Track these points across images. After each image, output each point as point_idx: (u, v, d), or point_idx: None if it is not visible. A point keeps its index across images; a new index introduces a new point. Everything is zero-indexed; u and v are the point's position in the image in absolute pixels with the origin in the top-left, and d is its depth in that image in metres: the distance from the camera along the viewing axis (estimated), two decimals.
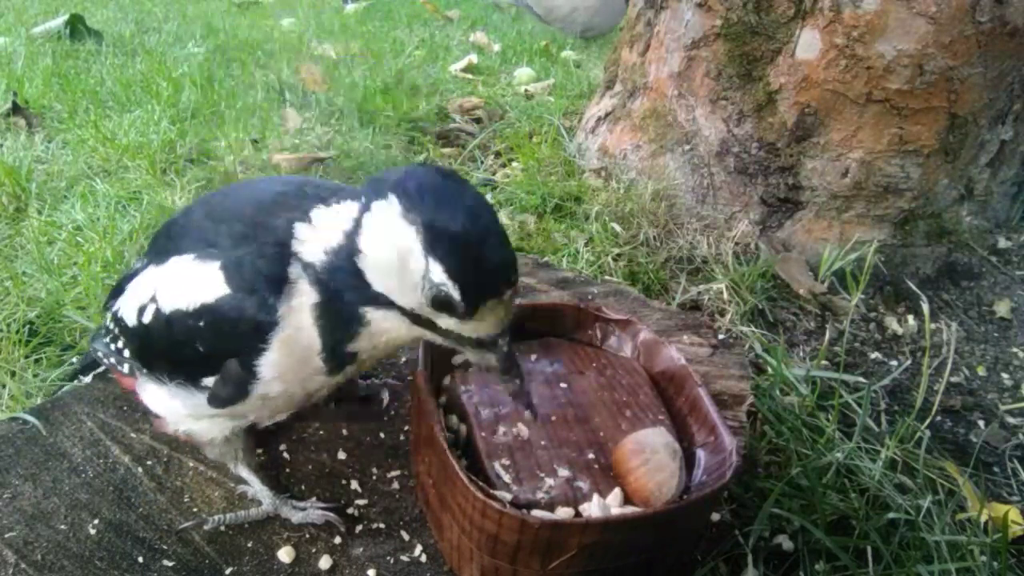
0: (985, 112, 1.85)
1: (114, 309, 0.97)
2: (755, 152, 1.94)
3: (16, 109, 2.52)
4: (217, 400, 0.87)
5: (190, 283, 0.84)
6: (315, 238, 0.79)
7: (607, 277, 1.80)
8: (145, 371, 0.93)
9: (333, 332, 0.81)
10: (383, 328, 0.81)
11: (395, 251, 0.74)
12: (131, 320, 0.91)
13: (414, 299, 0.75)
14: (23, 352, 1.44)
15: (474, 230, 0.72)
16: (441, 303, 0.74)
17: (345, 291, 0.79)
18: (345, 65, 3.32)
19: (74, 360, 1.43)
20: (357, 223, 0.76)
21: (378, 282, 0.77)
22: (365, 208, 0.76)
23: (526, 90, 3.25)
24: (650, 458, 0.90)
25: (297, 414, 1.01)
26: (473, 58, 3.66)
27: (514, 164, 2.44)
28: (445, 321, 0.77)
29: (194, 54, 3.37)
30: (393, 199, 0.73)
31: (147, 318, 0.88)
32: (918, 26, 1.71)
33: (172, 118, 2.52)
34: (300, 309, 0.80)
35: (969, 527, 1.20)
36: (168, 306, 0.86)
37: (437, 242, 0.71)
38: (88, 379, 1.18)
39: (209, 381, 0.87)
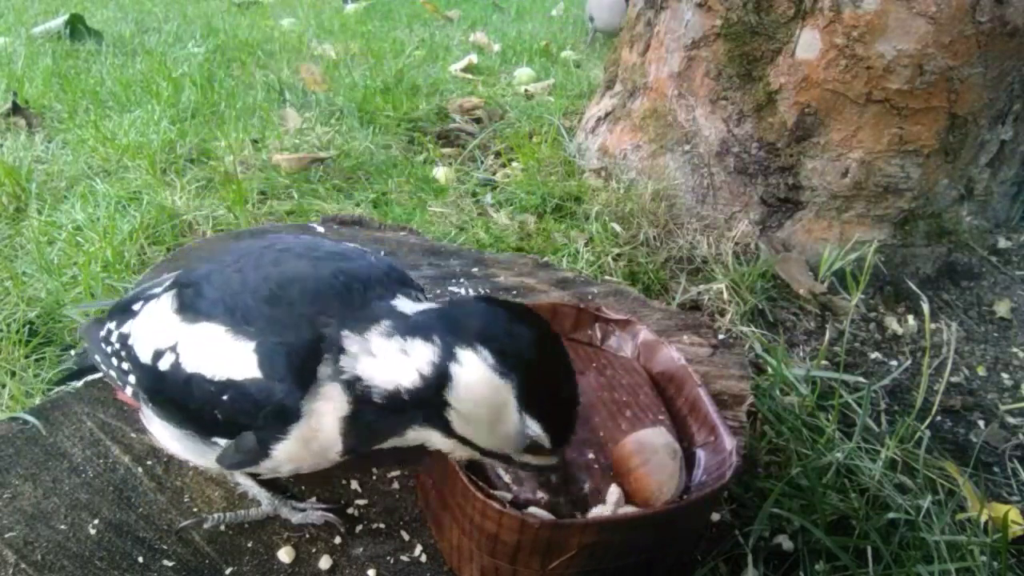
0: (985, 112, 1.85)
1: (124, 331, 0.95)
2: (755, 152, 1.94)
3: (16, 109, 2.52)
4: (226, 463, 0.87)
5: (220, 355, 0.83)
6: (374, 363, 0.78)
7: (607, 277, 1.80)
8: (152, 407, 0.93)
9: (359, 439, 0.81)
10: (425, 439, 0.81)
11: (488, 407, 0.76)
12: (144, 357, 0.90)
13: (502, 445, 0.79)
14: (23, 352, 1.44)
15: (563, 387, 0.78)
16: (531, 448, 0.79)
17: (403, 421, 0.79)
18: (345, 65, 3.32)
19: (72, 353, 1.41)
20: (439, 370, 0.75)
21: (462, 429, 0.78)
22: (448, 356, 0.75)
23: (526, 90, 3.25)
24: (650, 458, 0.90)
25: None
26: (473, 58, 3.66)
27: (514, 164, 2.44)
28: (524, 458, 0.81)
29: (194, 54, 3.37)
30: (485, 353, 0.74)
31: (164, 366, 0.87)
32: (918, 26, 1.71)
33: (172, 118, 2.52)
34: (324, 413, 0.79)
35: (969, 527, 1.20)
36: (191, 367, 0.85)
37: (533, 401, 0.75)
38: (80, 384, 1.16)
39: (221, 441, 0.86)
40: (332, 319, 0.80)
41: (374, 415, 0.79)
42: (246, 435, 0.83)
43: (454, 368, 0.75)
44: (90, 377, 1.13)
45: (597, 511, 0.87)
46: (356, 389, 0.78)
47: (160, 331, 0.89)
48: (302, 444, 0.82)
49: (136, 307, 0.96)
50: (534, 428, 0.76)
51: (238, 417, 0.83)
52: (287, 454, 0.83)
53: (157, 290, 0.95)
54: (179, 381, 0.85)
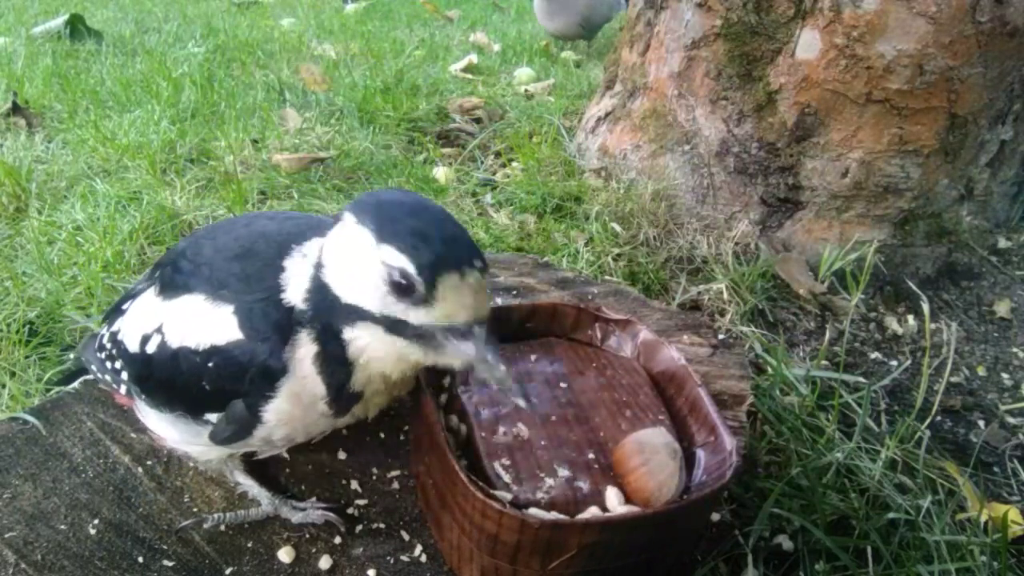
0: (985, 112, 1.85)
1: (114, 330, 0.96)
2: (755, 152, 1.94)
3: (16, 109, 2.52)
4: (219, 437, 0.87)
5: (201, 323, 0.84)
6: (294, 283, 0.81)
7: (607, 277, 1.80)
8: (144, 397, 0.93)
9: (335, 375, 0.82)
10: (367, 351, 0.80)
11: (351, 255, 0.75)
12: (133, 347, 0.91)
13: (377, 296, 0.75)
14: (23, 352, 1.44)
15: (422, 214, 0.74)
16: (400, 287, 0.72)
17: (327, 320, 0.79)
18: (345, 65, 3.32)
19: (72, 355, 1.42)
20: (321, 251, 0.79)
21: (344, 292, 0.77)
22: (325, 237, 0.79)
23: (526, 90, 3.25)
24: (650, 458, 0.89)
25: None
26: (473, 58, 3.66)
27: (514, 164, 2.44)
28: (415, 315, 0.74)
29: (194, 54, 3.37)
30: (347, 215, 0.77)
31: (151, 348, 0.88)
32: (918, 26, 1.71)
33: (172, 118, 2.52)
34: (304, 358, 0.81)
35: (969, 527, 1.20)
36: (176, 341, 0.85)
37: (386, 229, 0.72)
38: (76, 385, 1.17)
39: (212, 417, 0.87)
40: (281, 264, 0.82)
41: (327, 339, 0.79)
42: (235, 403, 0.83)
43: (326, 242, 0.78)
44: (87, 377, 1.14)
45: (592, 512, 0.87)
46: (306, 319, 0.79)
47: (145, 317, 0.90)
48: (293, 399, 0.82)
49: (125, 306, 0.96)
50: (390, 254, 0.71)
51: (225, 384, 0.83)
52: (278, 414, 0.83)
53: (141, 287, 0.96)
54: (166, 360, 0.86)
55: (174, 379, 0.86)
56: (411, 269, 0.71)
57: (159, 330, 0.87)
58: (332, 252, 0.78)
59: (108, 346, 0.97)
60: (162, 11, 4.52)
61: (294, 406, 0.83)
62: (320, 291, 0.79)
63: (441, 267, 0.72)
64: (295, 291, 0.81)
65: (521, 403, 0.87)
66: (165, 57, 3.26)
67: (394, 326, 0.76)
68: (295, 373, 0.81)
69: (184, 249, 0.93)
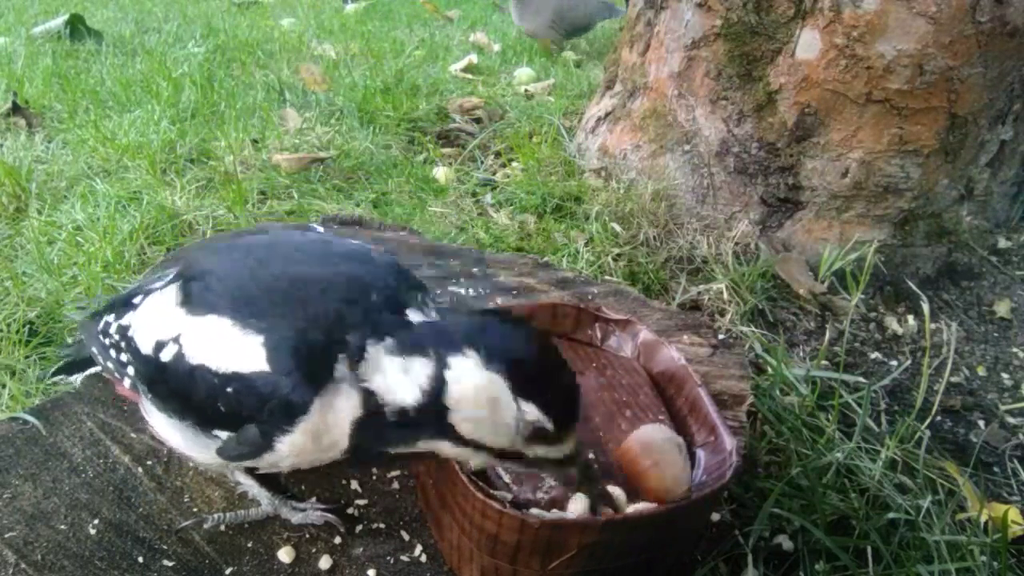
0: (985, 112, 1.85)
1: (124, 323, 0.95)
2: (755, 152, 1.94)
3: (16, 109, 2.52)
4: (226, 455, 0.87)
5: (226, 347, 0.83)
6: (383, 380, 0.80)
7: (607, 277, 1.80)
8: (152, 398, 0.93)
9: (367, 442, 0.83)
10: (436, 448, 0.82)
11: (484, 402, 0.78)
12: (145, 348, 0.90)
13: (507, 440, 0.80)
14: (23, 352, 1.44)
15: (555, 373, 0.80)
16: (536, 436, 0.80)
17: (413, 433, 0.81)
18: (345, 65, 3.32)
19: (66, 344, 1.40)
20: (437, 380, 0.79)
21: (469, 431, 0.80)
22: (442, 366, 0.79)
23: (526, 90, 3.25)
24: (659, 458, 0.90)
25: None
26: (473, 58, 3.66)
27: (514, 164, 2.44)
28: (534, 450, 0.81)
29: (194, 54, 3.37)
30: (472, 354, 0.78)
31: (166, 356, 0.87)
32: (918, 26, 1.71)
33: (172, 118, 2.52)
34: (340, 411, 0.81)
35: (969, 527, 1.20)
36: (195, 358, 0.85)
37: (525, 386, 0.78)
38: (77, 381, 1.16)
39: (222, 434, 0.86)
40: (353, 324, 0.82)
41: (385, 426, 0.80)
42: (249, 428, 0.83)
43: (447, 375, 0.78)
44: (90, 371, 1.13)
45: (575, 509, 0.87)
46: (370, 401, 0.80)
47: (163, 323, 0.89)
48: (310, 438, 0.82)
49: (136, 300, 0.95)
50: (531, 411, 0.78)
51: (242, 410, 0.83)
52: (292, 447, 0.83)
53: (158, 284, 0.95)
54: (182, 372, 0.85)
55: (188, 394, 0.86)
56: (550, 427, 0.79)
57: (177, 340, 0.86)
58: (462, 395, 0.79)
59: (115, 336, 0.96)
60: (162, 11, 4.52)
61: (309, 443, 0.83)
62: (432, 415, 0.80)
63: (572, 420, 0.81)
64: (387, 391, 0.80)
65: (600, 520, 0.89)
66: (165, 57, 3.26)
67: (506, 455, 0.82)
68: (320, 417, 0.80)
69: (215, 269, 0.92)
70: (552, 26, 3.91)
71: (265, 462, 0.87)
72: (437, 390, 0.78)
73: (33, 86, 2.84)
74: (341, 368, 0.80)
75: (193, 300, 0.89)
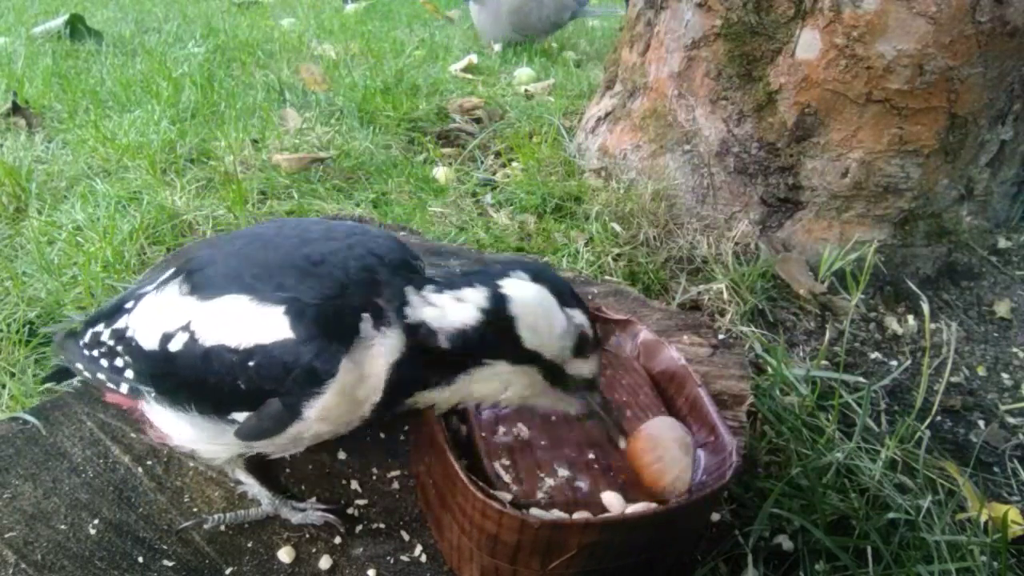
0: (985, 112, 1.85)
1: (118, 327, 0.95)
2: (755, 152, 1.94)
3: (16, 109, 2.52)
4: (246, 433, 0.87)
5: (245, 323, 0.84)
6: (437, 312, 0.87)
7: (607, 277, 1.80)
8: (155, 394, 0.92)
9: (402, 386, 0.87)
10: (488, 379, 0.89)
11: (543, 309, 0.88)
12: (150, 344, 0.90)
13: (559, 347, 0.88)
14: (23, 352, 1.44)
15: (575, 290, 0.92)
16: (580, 343, 0.90)
17: (468, 351, 0.87)
18: (345, 65, 3.32)
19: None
20: (495, 298, 0.87)
21: (531, 339, 0.87)
22: (495, 288, 0.88)
23: (526, 90, 3.25)
24: (663, 455, 0.90)
25: None
26: (473, 58, 3.66)
27: (514, 164, 2.44)
28: (573, 366, 0.90)
29: (194, 54, 3.37)
30: (519, 273, 0.89)
31: (176, 346, 0.87)
32: (918, 26, 1.71)
33: (172, 118, 2.52)
34: (374, 362, 0.84)
35: (969, 527, 1.20)
36: (210, 340, 0.85)
37: (566, 298, 0.90)
38: (76, 384, 1.15)
39: (239, 416, 0.87)
40: (377, 285, 0.87)
41: (428, 360, 0.86)
42: (271, 402, 0.84)
43: (505, 291, 0.87)
44: (73, 379, 1.13)
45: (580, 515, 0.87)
46: (419, 332, 0.85)
47: (168, 316, 0.90)
48: (343, 396, 0.84)
49: (129, 305, 0.96)
50: (578, 316, 0.89)
51: (264, 383, 0.84)
52: (322, 411, 0.84)
53: (150, 288, 0.96)
54: (195, 357, 0.86)
55: (204, 378, 0.86)
56: (590, 332, 0.91)
57: (187, 328, 0.87)
58: (524, 302, 0.87)
59: (109, 343, 0.96)
60: (162, 11, 4.52)
61: (340, 403, 0.84)
62: (494, 330, 0.86)
63: (598, 335, 0.94)
64: (441, 319, 0.86)
65: (621, 443, 0.97)
66: (165, 57, 3.26)
67: (551, 372, 0.90)
68: (351, 373, 0.83)
69: (219, 257, 0.93)
70: (514, 30, 3.90)
71: (286, 437, 0.87)
72: (498, 306, 0.86)
73: (33, 86, 2.84)
74: (367, 327, 0.83)
75: (201, 287, 0.90)
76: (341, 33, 4.22)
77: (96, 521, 0.96)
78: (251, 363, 0.83)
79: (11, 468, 1.02)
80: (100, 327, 0.98)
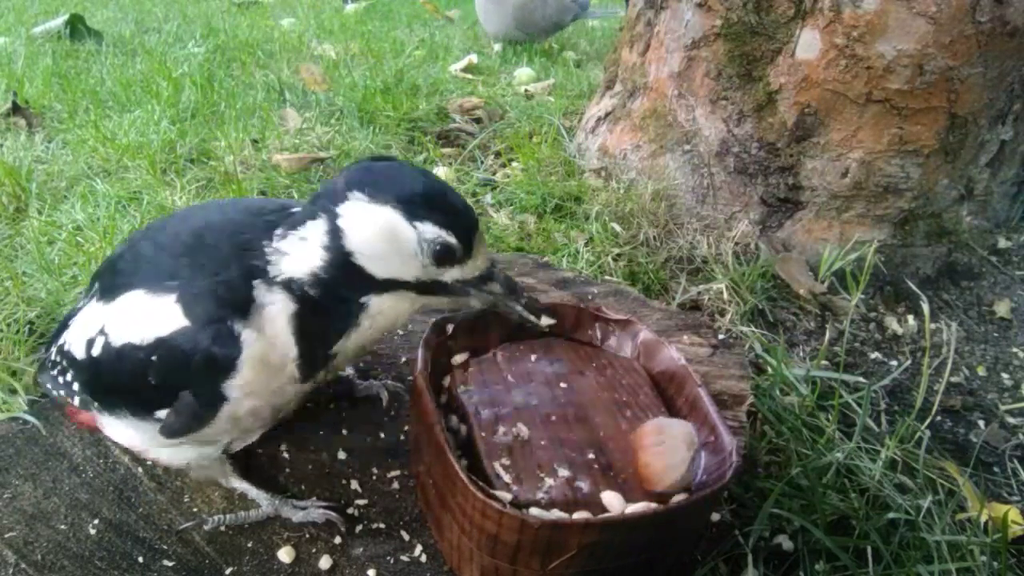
0: (985, 112, 1.85)
1: (60, 342, 0.95)
2: (755, 152, 1.94)
3: (16, 109, 2.52)
4: (169, 431, 0.86)
5: (143, 317, 0.84)
6: (292, 259, 0.83)
7: (607, 277, 1.80)
8: (96, 403, 0.93)
9: (314, 337, 0.84)
10: (385, 311, 0.85)
11: (383, 234, 0.81)
12: (79, 353, 0.90)
13: (417, 266, 0.82)
14: (23, 352, 1.44)
15: (433, 187, 0.82)
16: (442, 255, 0.82)
17: (342, 292, 0.83)
18: (345, 65, 3.32)
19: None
20: (333, 232, 0.81)
21: (380, 269, 0.82)
22: (333, 218, 0.81)
23: (526, 90, 3.25)
24: (665, 440, 0.90)
25: (296, 412, 1.02)
26: (473, 58, 3.66)
27: (514, 164, 2.44)
28: (449, 274, 0.84)
29: (194, 54, 3.37)
30: (356, 194, 0.81)
31: (96, 351, 0.87)
32: (918, 26, 1.71)
33: (172, 118, 2.52)
34: (273, 323, 0.82)
35: (969, 527, 1.20)
36: (118, 340, 0.85)
37: (414, 209, 0.80)
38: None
39: (162, 414, 0.86)
40: (253, 242, 0.85)
41: (319, 309, 0.83)
42: (182, 395, 0.83)
43: (340, 223, 0.81)
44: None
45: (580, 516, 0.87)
46: (293, 288, 0.83)
47: (89, 323, 0.90)
48: (259, 367, 0.82)
49: (71, 321, 0.96)
50: (428, 229, 0.80)
51: (170, 377, 0.83)
52: (244, 388, 0.82)
53: (84, 300, 0.96)
54: (111, 360, 0.86)
55: (121, 380, 0.86)
56: (452, 240, 0.81)
57: (102, 331, 0.87)
58: (356, 235, 0.81)
59: (57, 359, 0.96)
60: (162, 11, 4.52)
61: (260, 372, 0.83)
62: (342, 268, 0.82)
63: (471, 229, 0.83)
64: (292, 264, 0.83)
65: (545, 323, 0.94)
66: (165, 57, 3.26)
67: (428, 287, 0.85)
68: (259, 341, 0.81)
69: (121, 254, 0.94)
70: (518, 29, 3.90)
71: (224, 420, 0.85)
72: (337, 242, 0.81)
73: (33, 86, 2.84)
74: (260, 292, 0.82)
75: (107, 290, 0.90)
76: (341, 33, 4.22)
77: (96, 521, 0.96)
78: (154, 357, 0.82)
79: (11, 468, 1.02)
80: (53, 348, 0.98)
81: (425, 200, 0.80)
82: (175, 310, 0.82)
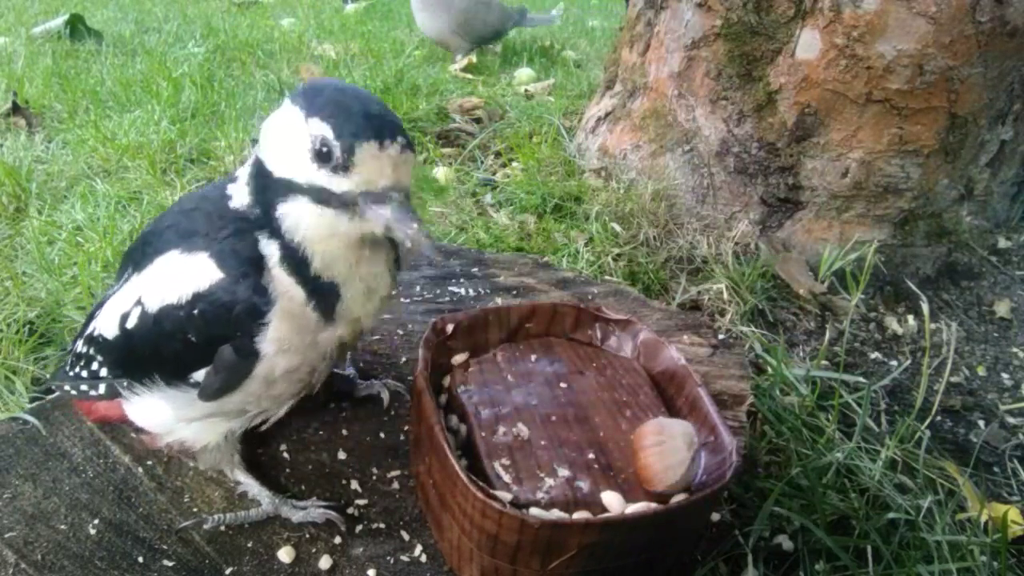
0: (985, 112, 1.85)
1: (88, 333, 0.96)
2: (755, 152, 1.94)
3: (16, 109, 2.52)
4: (208, 391, 0.87)
5: (180, 276, 0.85)
6: (236, 187, 0.87)
7: (607, 277, 1.80)
8: (127, 382, 0.93)
9: (302, 269, 0.84)
10: (300, 225, 0.83)
11: (284, 131, 0.81)
12: (111, 332, 0.91)
13: (304, 165, 0.79)
14: (23, 352, 1.44)
15: (348, 93, 0.80)
16: (321, 154, 0.78)
17: (266, 204, 0.83)
18: (345, 65, 3.32)
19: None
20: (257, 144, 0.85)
21: (277, 166, 0.82)
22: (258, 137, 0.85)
23: (526, 90, 3.25)
24: (666, 441, 0.90)
25: (296, 412, 1.01)
26: (473, 58, 3.66)
27: (514, 164, 2.44)
28: (336, 182, 0.79)
29: (194, 54, 3.37)
30: (286, 101, 0.82)
31: (131, 323, 0.88)
32: (918, 26, 1.71)
33: (172, 118, 2.52)
34: (277, 272, 0.83)
35: (969, 527, 1.20)
36: (155, 304, 0.86)
37: (314, 105, 0.79)
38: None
39: (199, 375, 0.86)
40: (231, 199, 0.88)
41: (286, 244, 0.83)
42: (222, 349, 0.84)
43: (263, 126, 0.84)
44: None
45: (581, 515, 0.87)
46: (273, 234, 0.84)
47: (124, 300, 0.91)
48: (286, 318, 0.83)
49: (98, 312, 0.97)
50: (316, 125, 0.78)
51: (212, 328, 0.84)
52: (277, 342, 0.83)
53: (112, 290, 0.97)
54: (148, 327, 0.87)
55: (159, 344, 0.86)
56: (331, 136, 0.77)
57: (138, 302, 0.88)
58: (268, 132, 0.83)
59: (83, 351, 0.97)
60: (162, 11, 4.52)
61: (292, 324, 0.84)
62: (258, 174, 0.84)
63: (359, 135, 0.77)
64: (239, 191, 0.86)
65: (436, 257, 0.95)
66: (165, 57, 3.26)
67: (319, 195, 0.80)
68: (281, 295, 0.83)
69: (148, 231, 0.96)
70: (456, 33, 3.80)
71: (258, 382, 0.86)
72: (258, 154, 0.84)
73: (33, 86, 2.84)
74: (263, 245, 0.84)
75: (140, 263, 0.91)
76: (341, 33, 4.23)
77: (96, 521, 0.96)
78: (195, 312, 0.83)
79: (11, 468, 1.02)
80: (80, 341, 0.99)
81: (332, 102, 0.79)
82: (210, 265, 0.83)
